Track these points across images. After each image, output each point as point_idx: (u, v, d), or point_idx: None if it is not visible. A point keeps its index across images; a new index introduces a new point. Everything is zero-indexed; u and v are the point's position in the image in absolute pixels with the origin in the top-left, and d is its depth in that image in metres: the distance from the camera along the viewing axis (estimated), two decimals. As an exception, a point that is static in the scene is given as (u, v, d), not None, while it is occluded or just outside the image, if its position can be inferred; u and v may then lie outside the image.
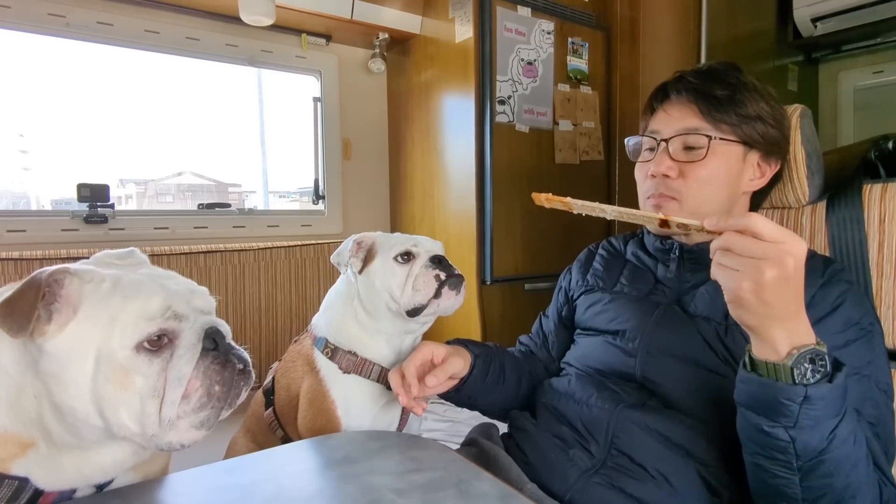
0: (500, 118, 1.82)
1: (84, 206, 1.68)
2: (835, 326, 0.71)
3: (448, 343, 0.90)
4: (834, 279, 0.76)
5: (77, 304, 0.53)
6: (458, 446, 0.94)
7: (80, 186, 1.65)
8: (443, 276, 0.92)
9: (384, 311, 0.94)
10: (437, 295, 0.91)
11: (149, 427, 0.53)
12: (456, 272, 0.95)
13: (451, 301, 0.93)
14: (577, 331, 0.96)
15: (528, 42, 1.89)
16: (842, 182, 0.93)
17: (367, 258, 0.96)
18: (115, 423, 0.53)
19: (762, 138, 0.81)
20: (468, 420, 1.59)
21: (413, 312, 0.92)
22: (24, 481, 0.55)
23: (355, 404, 0.92)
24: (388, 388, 0.93)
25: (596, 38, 2.08)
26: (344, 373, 0.93)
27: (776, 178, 0.87)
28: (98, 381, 0.52)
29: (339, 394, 0.92)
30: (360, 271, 0.96)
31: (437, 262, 0.93)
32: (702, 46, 2.01)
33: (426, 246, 0.96)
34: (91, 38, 1.72)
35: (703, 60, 1.98)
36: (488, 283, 1.86)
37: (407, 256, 0.93)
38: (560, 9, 1.97)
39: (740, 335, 0.75)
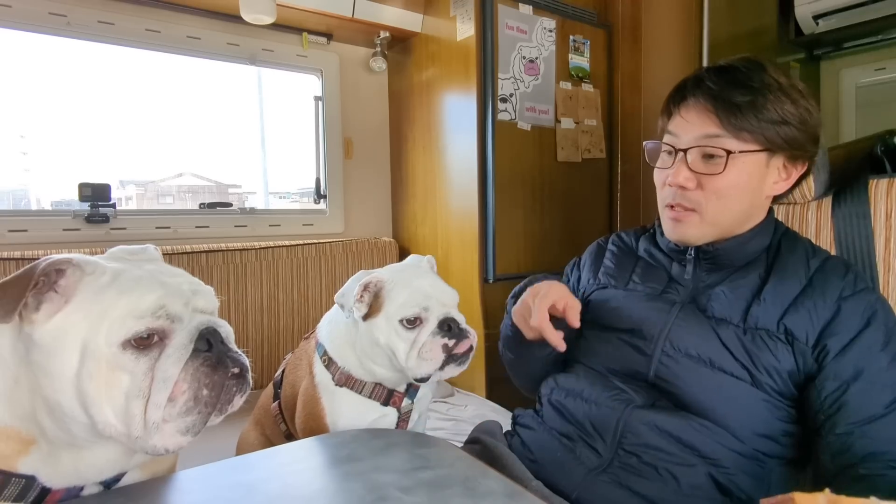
0: (501, 116, 1.82)
1: (85, 206, 1.68)
2: (876, 343, 0.70)
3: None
4: (859, 287, 0.75)
5: (71, 294, 0.52)
6: (462, 444, 0.94)
7: (82, 186, 1.64)
8: (451, 344, 0.85)
9: (386, 363, 0.89)
10: (442, 368, 0.85)
11: (134, 428, 0.52)
12: (465, 336, 0.87)
13: (455, 373, 0.88)
14: (586, 326, 0.93)
15: (530, 40, 1.88)
16: (848, 177, 0.93)
17: (373, 307, 0.88)
18: (100, 420, 0.51)
19: (786, 142, 0.78)
20: (471, 419, 1.58)
21: (419, 379, 0.87)
22: (30, 479, 0.54)
23: (343, 416, 0.90)
24: (382, 403, 0.92)
25: (598, 36, 2.08)
26: (336, 385, 0.91)
27: (799, 178, 0.85)
28: (82, 377, 0.50)
29: (328, 403, 0.91)
30: (364, 318, 0.88)
31: (447, 328, 0.86)
32: (703, 44, 2.00)
33: (437, 308, 0.87)
34: (92, 38, 1.72)
35: (704, 58, 1.97)
36: (490, 281, 1.85)
37: (413, 321, 0.86)
38: (562, 7, 1.97)
39: (760, 339, 0.75)
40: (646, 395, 0.80)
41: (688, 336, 0.79)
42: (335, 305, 0.97)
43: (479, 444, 0.89)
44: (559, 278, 1.06)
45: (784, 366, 0.74)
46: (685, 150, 0.79)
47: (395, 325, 0.85)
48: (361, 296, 0.87)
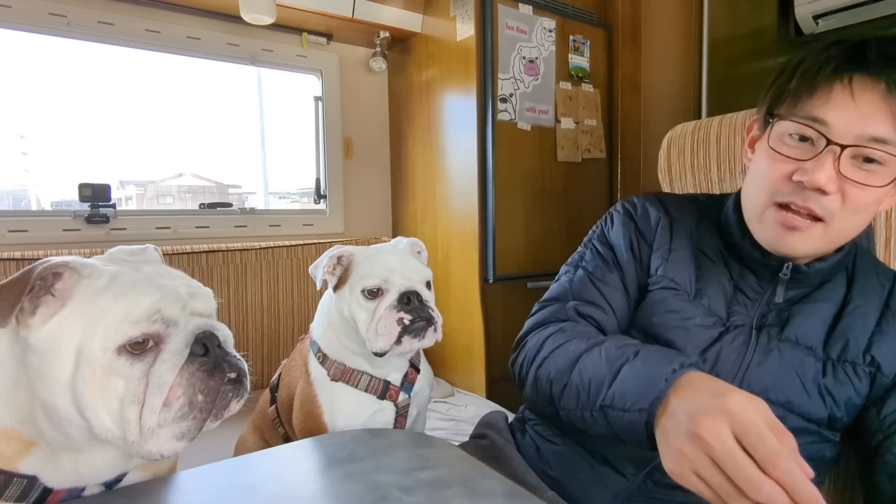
0: (501, 116, 1.82)
1: (86, 206, 1.68)
2: None
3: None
4: None
5: (67, 298, 0.51)
6: (467, 439, 0.92)
7: (82, 186, 1.65)
8: (406, 320, 0.84)
9: (353, 335, 0.89)
10: (398, 342, 0.84)
11: (129, 433, 0.51)
12: (425, 314, 0.86)
13: (413, 346, 0.86)
14: (636, 332, 0.77)
15: (530, 40, 1.88)
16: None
17: (343, 278, 0.90)
18: (97, 425, 0.51)
19: None
20: (471, 419, 1.59)
21: (378, 353, 0.86)
22: (32, 480, 0.54)
23: (341, 412, 0.90)
24: (378, 397, 0.91)
25: (597, 36, 2.08)
26: (332, 380, 0.90)
27: None
28: (77, 381, 0.50)
29: (325, 400, 0.90)
30: (335, 290, 0.90)
31: (406, 301, 0.85)
32: (703, 43, 2.00)
33: (399, 280, 0.87)
34: (92, 38, 1.72)
35: (704, 58, 1.98)
36: (491, 281, 1.86)
37: (374, 293, 0.86)
38: (561, 6, 1.97)
39: (843, 372, 0.67)
40: None
41: (766, 376, 0.67)
42: (320, 303, 0.98)
43: (487, 440, 0.86)
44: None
45: (860, 399, 0.67)
46: (843, 147, 0.59)
47: (357, 296, 0.86)
48: (334, 268, 0.90)
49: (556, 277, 0.85)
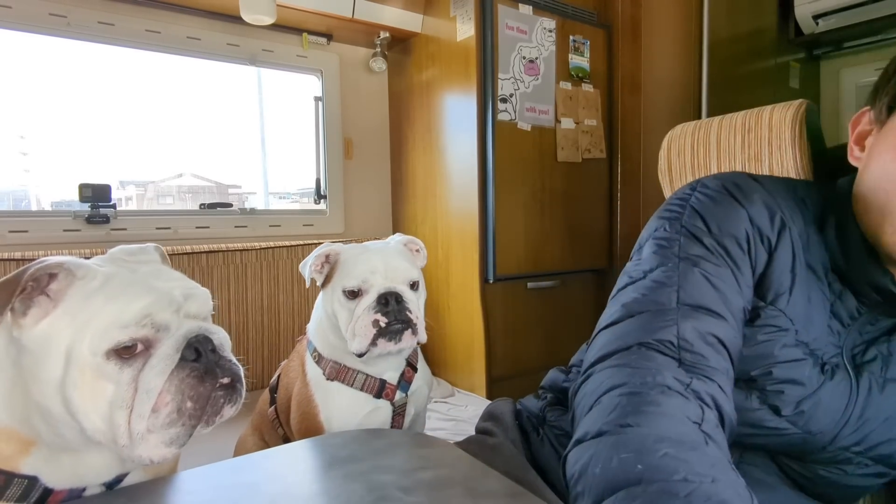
0: (501, 116, 1.82)
1: (86, 207, 1.68)
2: None
3: None
4: None
5: (60, 299, 0.51)
6: (473, 434, 0.89)
7: (82, 186, 1.65)
8: (383, 322, 0.84)
9: (338, 333, 0.89)
10: (374, 344, 0.84)
11: (119, 437, 0.51)
12: (402, 316, 0.84)
13: (389, 349, 0.85)
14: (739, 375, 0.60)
15: (530, 40, 1.88)
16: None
17: (329, 276, 0.90)
18: (88, 427, 0.51)
19: None
20: (471, 419, 1.59)
21: (357, 354, 0.85)
22: (33, 480, 0.54)
23: (337, 411, 0.89)
24: (375, 395, 0.91)
25: (597, 36, 2.08)
26: (328, 379, 0.91)
27: None
28: (66, 384, 0.49)
29: (321, 399, 0.90)
30: (322, 287, 0.91)
31: (384, 303, 0.85)
32: (703, 44, 2.00)
33: (379, 281, 0.86)
34: (92, 38, 1.72)
35: (704, 58, 1.97)
36: (491, 281, 1.86)
37: (354, 293, 0.86)
38: (561, 7, 1.97)
39: None
40: (763, 466, 0.65)
41: (864, 431, 0.58)
42: (318, 298, 0.98)
43: (495, 438, 0.81)
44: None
45: None
46: None
47: (339, 295, 0.87)
48: (321, 266, 0.91)
49: (639, 273, 0.60)
